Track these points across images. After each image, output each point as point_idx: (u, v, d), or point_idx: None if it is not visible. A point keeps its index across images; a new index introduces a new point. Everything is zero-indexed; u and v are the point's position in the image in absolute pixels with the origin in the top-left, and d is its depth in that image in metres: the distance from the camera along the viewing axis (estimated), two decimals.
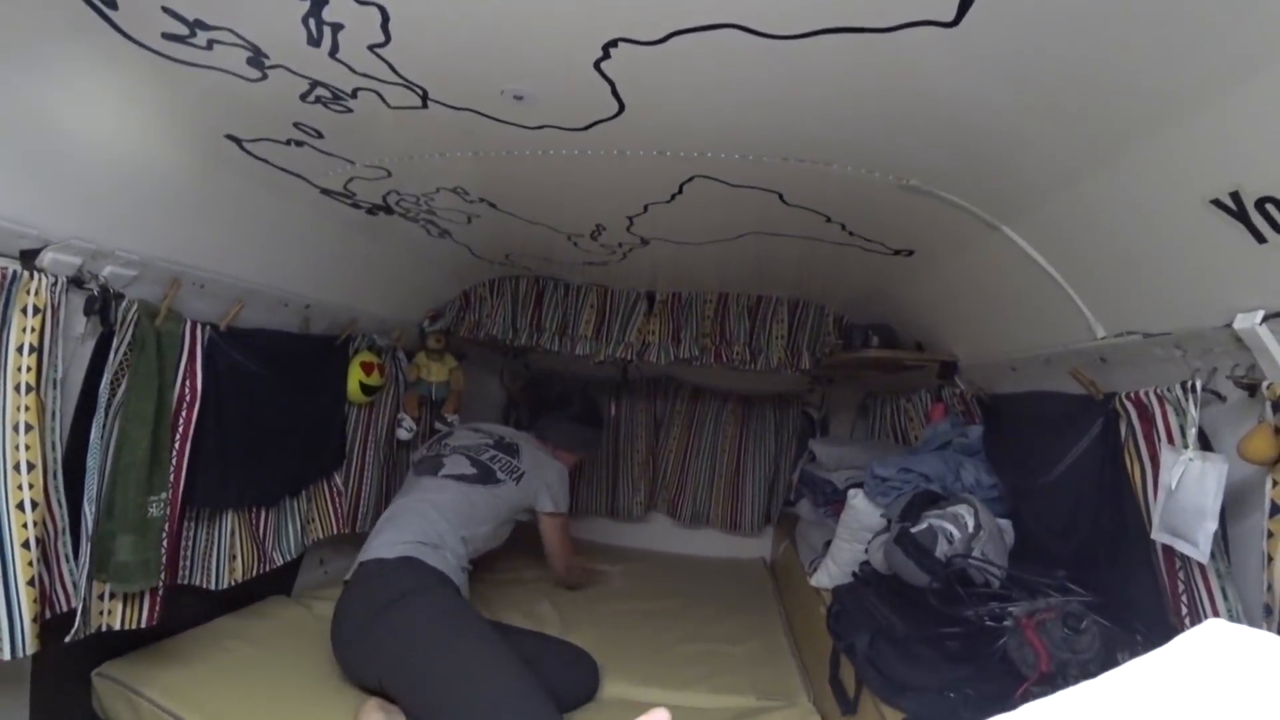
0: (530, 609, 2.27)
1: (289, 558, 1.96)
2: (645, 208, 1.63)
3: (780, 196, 1.48)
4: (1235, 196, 0.85)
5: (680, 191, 1.48)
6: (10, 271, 1.14)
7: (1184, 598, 1.09)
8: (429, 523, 1.88)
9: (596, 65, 0.97)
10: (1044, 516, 1.51)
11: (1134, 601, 1.19)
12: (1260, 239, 0.86)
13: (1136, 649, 1.10)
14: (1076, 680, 0.38)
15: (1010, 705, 0.37)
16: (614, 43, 0.91)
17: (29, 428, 1.16)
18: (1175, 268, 1.06)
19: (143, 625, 1.44)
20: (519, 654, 1.55)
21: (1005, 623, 1.22)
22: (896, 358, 2.15)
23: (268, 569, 1.87)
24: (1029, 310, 1.51)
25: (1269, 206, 0.82)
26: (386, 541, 1.80)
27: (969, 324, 1.88)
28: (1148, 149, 0.94)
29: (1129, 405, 1.23)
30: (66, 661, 1.42)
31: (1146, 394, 1.18)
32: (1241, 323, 0.93)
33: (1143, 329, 1.18)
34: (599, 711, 1.70)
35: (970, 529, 1.48)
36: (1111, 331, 1.27)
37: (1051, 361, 1.48)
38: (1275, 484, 0.91)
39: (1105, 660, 1.12)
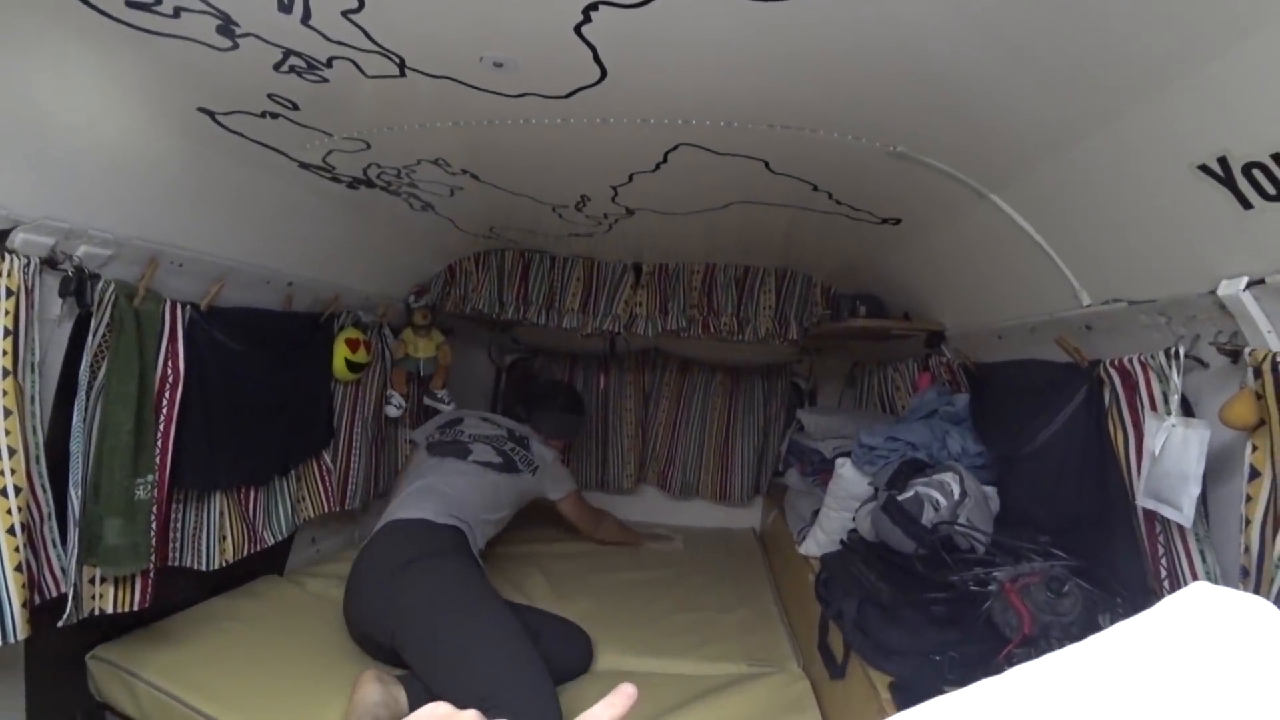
0: (521, 582, 2.29)
1: (280, 537, 1.96)
2: (630, 177, 1.61)
3: (766, 164, 1.46)
4: (1222, 162, 0.85)
5: (665, 160, 1.46)
6: None
7: (1163, 561, 1.11)
8: (462, 501, 2.00)
9: (577, 30, 0.94)
10: (1029, 483, 1.53)
11: (1115, 565, 1.21)
12: (1246, 205, 0.86)
13: (1117, 611, 1.13)
14: (1059, 642, 0.39)
15: (994, 667, 0.37)
16: (595, 5, 0.88)
17: (8, 412, 1.14)
18: (1161, 234, 1.06)
19: (135, 608, 1.44)
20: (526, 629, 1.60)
21: (990, 587, 1.24)
22: (884, 327, 2.15)
23: (259, 549, 1.87)
24: (1016, 278, 1.51)
25: (1255, 172, 0.82)
26: (422, 507, 1.90)
27: (956, 293, 1.89)
28: (1136, 114, 0.93)
29: (1113, 372, 1.24)
30: (61, 646, 1.42)
31: (1130, 361, 1.18)
32: (1225, 289, 0.94)
33: (1128, 296, 1.18)
34: (593, 683, 1.72)
35: (956, 496, 1.50)
36: (1097, 299, 1.28)
37: (1037, 330, 1.48)
38: (1255, 449, 0.92)
39: (1086, 622, 1.15)
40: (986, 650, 1.18)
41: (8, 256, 1.14)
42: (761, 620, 2.11)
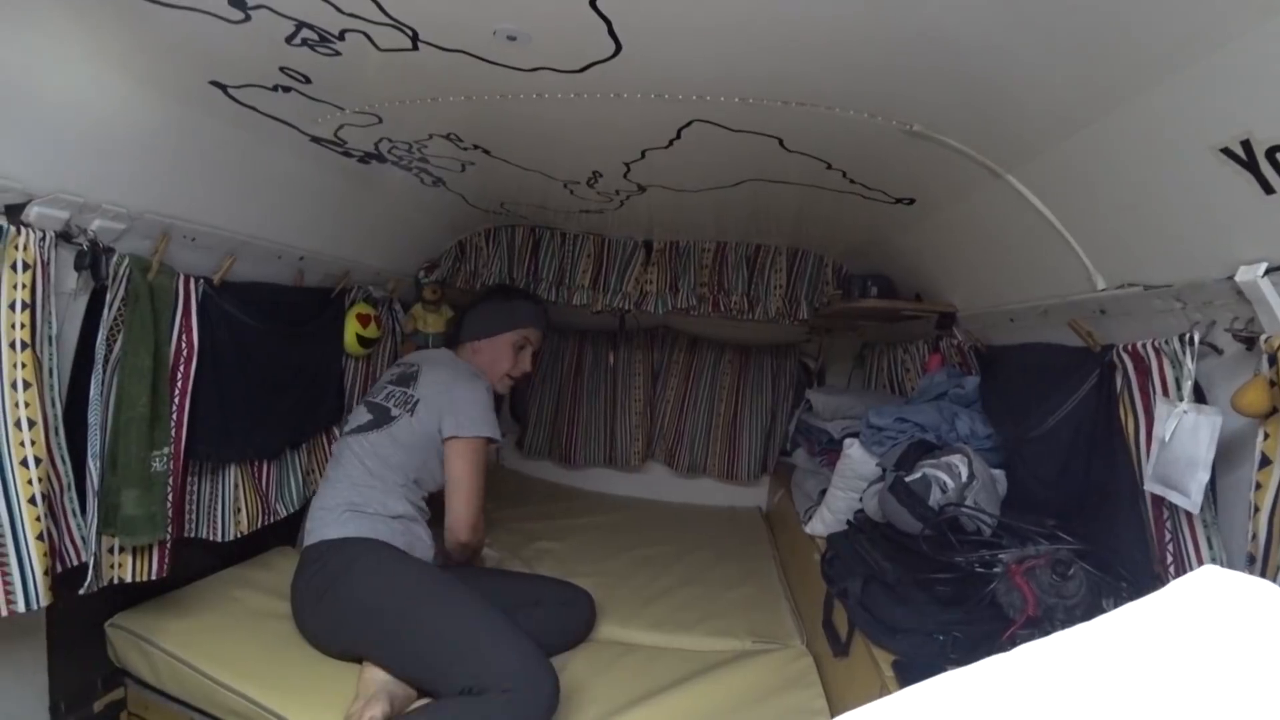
0: (525, 554, 2.32)
1: (292, 509, 1.99)
2: (643, 154, 1.60)
3: (780, 142, 1.45)
4: (1246, 145, 0.83)
5: (678, 137, 1.45)
6: None
7: (1170, 547, 1.12)
8: (343, 489, 1.74)
9: (593, 3, 0.93)
10: (1037, 466, 1.53)
11: (1121, 550, 1.21)
12: (1269, 189, 0.84)
13: (1121, 596, 1.14)
14: (1063, 625, 0.39)
15: (998, 647, 0.38)
16: None
17: (27, 385, 1.16)
18: (1180, 218, 1.04)
19: (153, 577, 1.47)
20: (482, 590, 1.55)
21: (995, 569, 1.25)
22: (895, 308, 2.14)
23: (271, 520, 1.90)
24: (1029, 261, 1.50)
25: None
26: (313, 525, 1.72)
27: (968, 274, 1.87)
28: (1157, 94, 0.91)
29: (1125, 357, 1.23)
30: (81, 614, 1.45)
31: (1144, 346, 1.18)
32: (1244, 275, 0.93)
33: (1144, 281, 1.17)
34: (596, 651, 1.75)
35: (964, 478, 1.50)
36: (1112, 283, 1.27)
37: (1050, 313, 1.47)
38: (1266, 436, 0.92)
39: (1091, 606, 1.16)
40: (990, 631, 1.19)
41: (23, 230, 1.15)
42: (766, 597, 2.13)
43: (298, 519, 2.04)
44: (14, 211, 1.15)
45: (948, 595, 1.33)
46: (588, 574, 2.14)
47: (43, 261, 1.18)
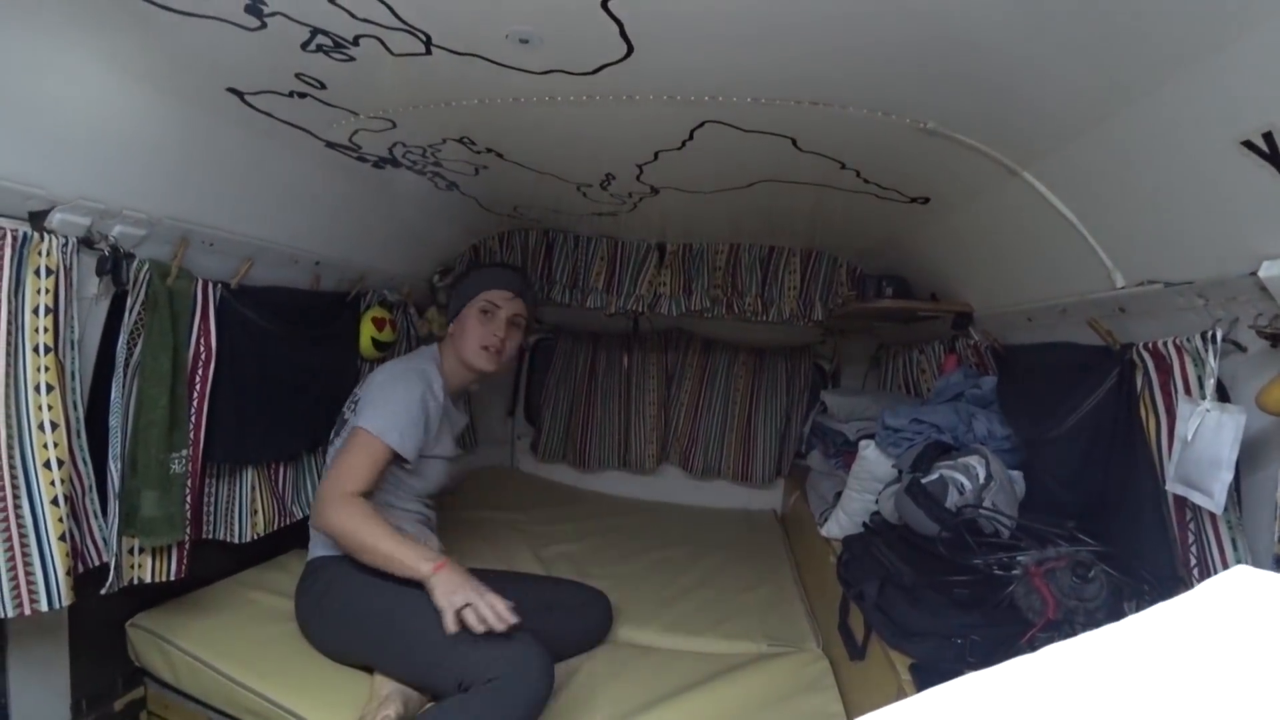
0: (542, 555, 2.32)
1: (308, 511, 2.00)
2: (655, 155, 1.60)
3: (793, 142, 1.44)
4: (1268, 138, 0.82)
5: (691, 138, 1.45)
6: (20, 233, 1.13)
7: (1193, 549, 1.10)
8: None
9: (604, 4, 0.93)
10: (1055, 467, 1.51)
11: (1143, 552, 1.19)
12: None
13: (1144, 598, 1.12)
14: (1084, 628, 0.38)
15: (1017, 650, 0.37)
16: None
17: (50, 388, 1.18)
18: (1200, 213, 1.03)
19: (172, 578, 1.49)
20: (498, 593, 1.47)
21: (1014, 571, 1.23)
22: (910, 308, 2.13)
23: (288, 522, 1.91)
24: (1047, 259, 1.48)
25: None
26: (311, 536, 1.71)
27: (985, 273, 1.85)
28: (1176, 87, 0.90)
29: (1146, 356, 1.21)
30: (102, 613, 1.47)
31: (1165, 344, 1.16)
32: (1268, 270, 0.91)
33: (1164, 278, 1.15)
34: (611, 653, 1.75)
35: (981, 480, 1.48)
36: (1131, 280, 1.25)
37: (1068, 311, 1.46)
38: None
39: (1112, 608, 1.14)
40: (1009, 634, 1.18)
41: (46, 236, 1.17)
42: (781, 600, 2.12)
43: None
44: (37, 218, 1.17)
45: (965, 598, 1.32)
46: (603, 576, 2.14)
47: (65, 267, 1.20)
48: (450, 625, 1.33)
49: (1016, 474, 1.60)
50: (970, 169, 1.39)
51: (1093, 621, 1.16)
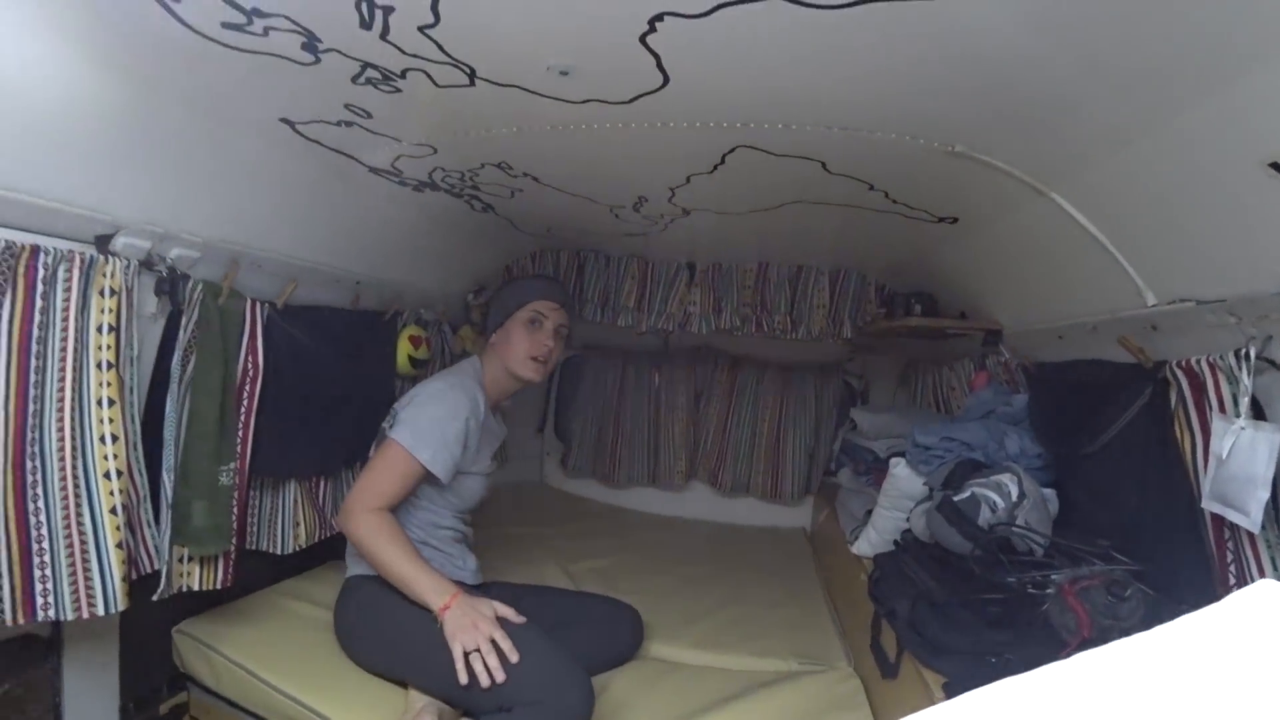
0: (571, 569, 2.35)
1: None
2: (687, 179, 1.64)
3: (823, 165, 1.47)
4: None
5: (723, 162, 1.48)
6: (88, 256, 1.20)
7: (1232, 568, 1.09)
8: None
9: (642, 39, 0.97)
10: (1089, 486, 1.50)
11: (1180, 571, 1.18)
12: None
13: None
14: None
15: None
16: (660, 16, 0.91)
17: (111, 402, 1.24)
18: (1230, 232, 1.03)
19: (218, 586, 1.54)
20: (527, 608, 1.52)
21: (1047, 590, 1.23)
22: (939, 326, 2.13)
23: (327, 535, 1.96)
24: (1077, 277, 1.48)
25: None
26: (348, 552, 1.75)
27: (1014, 291, 1.85)
28: (1204, 109, 0.91)
29: (1179, 373, 1.21)
30: (150, 619, 1.52)
31: (1198, 362, 1.16)
32: None
33: (1196, 296, 1.15)
34: (640, 669, 1.76)
35: (1014, 497, 1.48)
36: (1163, 298, 1.25)
37: (1099, 329, 1.45)
38: None
39: (1150, 627, 1.13)
40: (1043, 653, 1.16)
41: (111, 259, 1.24)
42: (811, 618, 2.11)
43: None
44: (103, 241, 1.24)
45: (998, 616, 1.31)
46: (632, 592, 2.15)
47: (127, 288, 1.27)
48: (461, 676, 1.35)
49: (1050, 492, 1.59)
50: (998, 189, 1.41)
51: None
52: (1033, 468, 1.65)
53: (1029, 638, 1.23)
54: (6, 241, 1.09)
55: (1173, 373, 1.23)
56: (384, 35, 1.00)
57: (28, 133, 1.07)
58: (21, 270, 1.13)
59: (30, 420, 1.16)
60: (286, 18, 0.96)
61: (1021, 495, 1.48)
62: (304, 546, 1.85)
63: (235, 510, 1.55)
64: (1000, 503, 1.47)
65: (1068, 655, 1.10)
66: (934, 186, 1.54)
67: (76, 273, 1.19)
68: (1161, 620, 1.10)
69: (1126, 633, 1.13)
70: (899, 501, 1.87)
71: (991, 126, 1.20)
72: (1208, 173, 0.98)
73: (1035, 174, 1.31)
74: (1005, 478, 1.53)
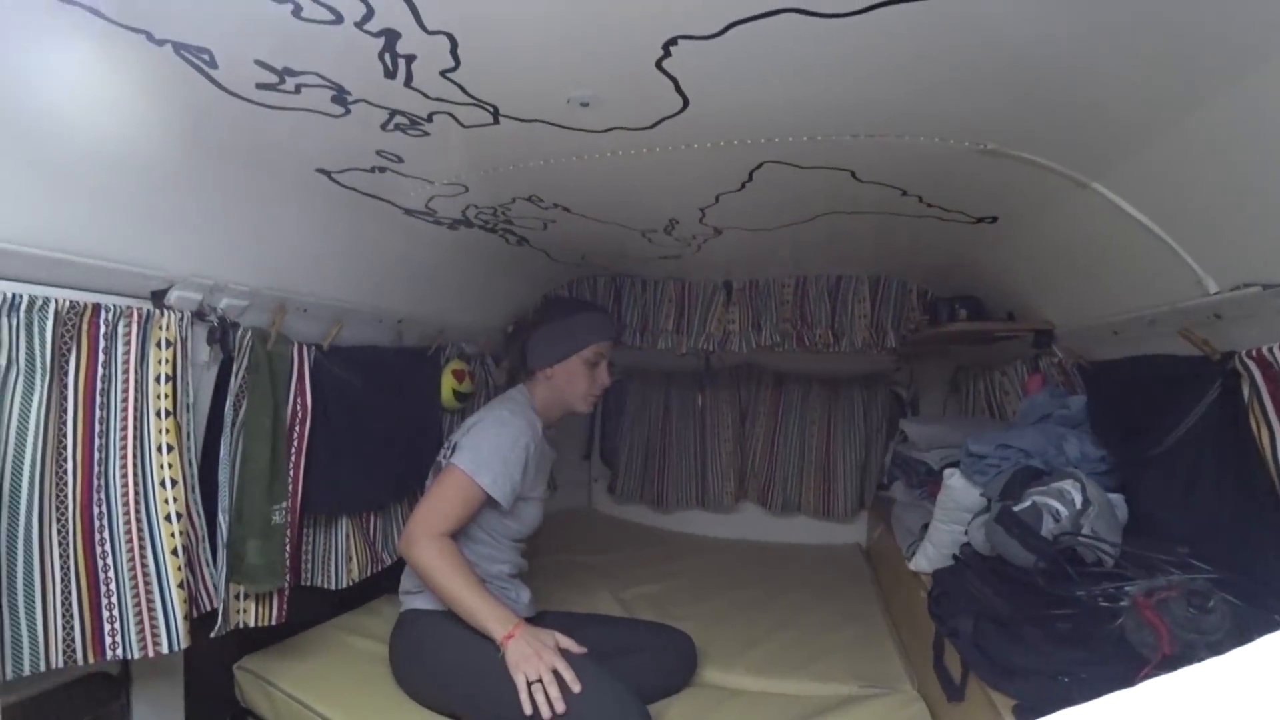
0: (623, 596, 2.33)
1: (396, 557, 2.08)
2: (716, 198, 1.64)
3: (853, 174, 1.45)
4: None
5: (750, 179, 1.48)
6: (145, 311, 1.26)
7: None
8: None
9: (658, 64, 0.98)
10: (1159, 489, 1.42)
11: (1268, 577, 1.10)
12: None
13: (1275, 629, 1.03)
14: None
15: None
16: (673, 40, 0.92)
17: (170, 448, 1.29)
18: None
19: (273, 623, 1.57)
20: (579, 638, 1.52)
21: (1121, 603, 1.16)
22: (987, 329, 2.06)
23: (379, 569, 1.99)
24: (1128, 269, 1.42)
25: None
26: (403, 586, 1.79)
27: (1063, 288, 1.78)
28: (1259, 76, 0.85)
29: (1251, 364, 1.14)
30: (212, 656, 1.57)
31: (1270, 350, 1.09)
32: None
33: (1262, 280, 1.08)
34: (696, 697, 1.72)
35: (1078, 505, 1.41)
36: (1225, 285, 1.18)
37: (1157, 322, 1.38)
38: None
39: (1239, 641, 1.05)
40: (1120, 671, 1.10)
41: (165, 312, 1.30)
42: (870, 639, 2.04)
43: (399, 566, 2.14)
44: (158, 296, 1.30)
45: (1069, 633, 1.24)
46: (685, 617, 2.12)
47: (181, 338, 1.33)
48: (525, 706, 1.36)
49: (1116, 497, 1.51)
50: (1036, 184, 1.36)
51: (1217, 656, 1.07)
52: (1096, 472, 1.57)
53: (1104, 655, 1.15)
54: (71, 301, 1.16)
55: (1243, 363, 1.16)
56: (408, 83, 1.03)
57: (91, 199, 1.14)
58: (85, 327, 1.19)
59: (96, 468, 1.22)
60: (316, 74, 1.00)
61: (1086, 502, 1.41)
62: (357, 581, 1.88)
63: (288, 548, 1.59)
64: (1063, 511, 1.40)
65: (1149, 674, 1.03)
66: (969, 187, 1.50)
67: (135, 327, 1.26)
68: (1250, 632, 1.03)
69: (1214, 647, 1.06)
70: (956, 514, 1.80)
71: (1023, 120, 1.16)
72: (1265, 143, 0.92)
73: (1075, 165, 1.26)
74: (1067, 484, 1.45)
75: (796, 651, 1.96)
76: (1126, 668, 1.09)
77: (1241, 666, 0.35)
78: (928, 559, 1.91)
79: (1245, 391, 1.16)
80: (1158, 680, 0.36)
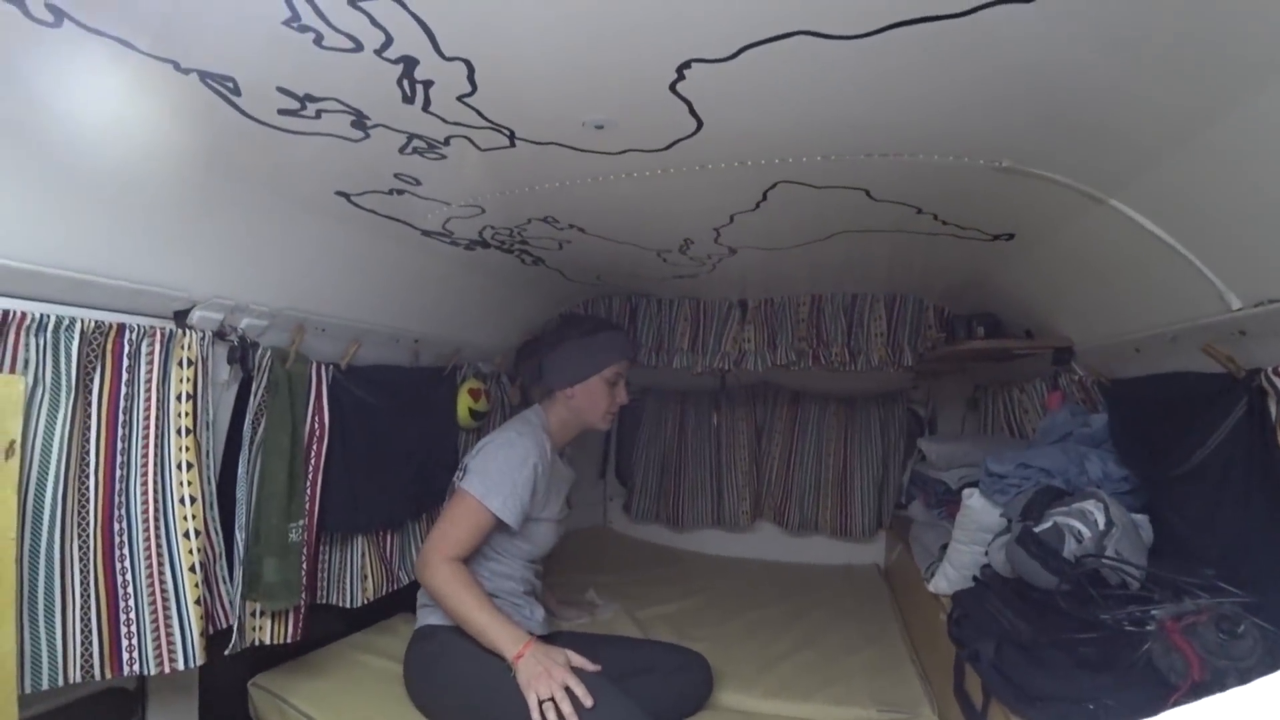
0: (639, 617, 2.30)
1: (413, 576, 2.08)
2: (731, 218, 1.64)
3: (867, 193, 1.45)
4: None
5: (765, 199, 1.48)
6: (167, 331, 1.29)
7: None
8: None
9: (672, 87, 0.99)
10: (1185, 509, 1.39)
11: None
12: None
13: None
14: None
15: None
16: (687, 64, 0.93)
17: (190, 466, 1.31)
18: None
19: (288, 640, 1.58)
20: (594, 658, 1.53)
21: (1148, 627, 1.13)
22: (1005, 347, 2.04)
23: (395, 588, 2.00)
24: (1148, 285, 1.40)
25: None
26: (419, 602, 1.80)
27: (1082, 305, 1.77)
28: (1277, 91, 0.84)
29: (1277, 381, 1.12)
30: (227, 673, 1.58)
31: None
32: None
33: None
34: (712, 719, 1.70)
35: (1101, 526, 1.38)
36: (1249, 301, 1.16)
37: (1179, 339, 1.36)
38: None
39: (1271, 668, 1.02)
40: (1148, 697, 1.07)
41: (188, 332, 1.32)
42: (889, 661, 2.01)
43: (417, 585, 2.14)
44: (180, 316, 1.33)
45: (1094, 658, 1.21)
46: (701, 638, 2.10)
47: (203, 358, 1.35)
48: None
49: (1141, 518, 1.48)
50: (1053, 201, 1.35)
51: (1247, 683, 1.04)
52: (1119, 492, 1.54)
53: (1131, 681, 1.13)
54: (97, 321, 1.18)
55: (1269, 380, 1.14)
56: (426, 107, 1.05)
57: (117, 222, 1.17)
58: (110, 347, 1.22)
59: (117, 485, 1.24)
60: (336, 100, 1.02)
61: (1109, 523, 1.39)
62: (372, 600, 1.88)
63: (305, 566, 1.59)
64: (1086, 532, 1.37)
65: (1178, 700, 1.01)
66: (984, 204, 1.49)
67: (158, 346, 1.28)
68: None
69: (1244, 674, 1.03)
70: (976, 535, 1.77)
71: (1038, 137, 1.16)
72: None
73: (1091, 182, 1.26)
74: (1090, 505, 1.43)
75: (814, 674, 1.93)
76: (1154, 694, 1.06)
77: (1273, 694, 0.35)
78: (947, 580, 1.88)
79: (1273, 409, 1.14)
80: (1187, 708, 0.35)
